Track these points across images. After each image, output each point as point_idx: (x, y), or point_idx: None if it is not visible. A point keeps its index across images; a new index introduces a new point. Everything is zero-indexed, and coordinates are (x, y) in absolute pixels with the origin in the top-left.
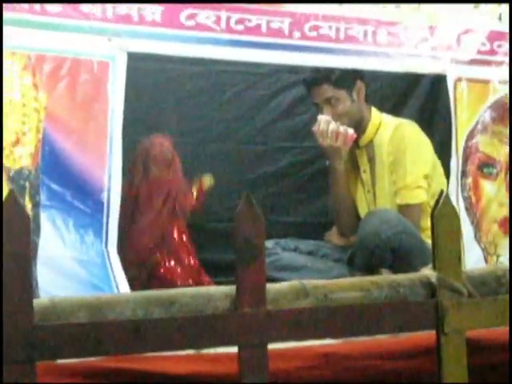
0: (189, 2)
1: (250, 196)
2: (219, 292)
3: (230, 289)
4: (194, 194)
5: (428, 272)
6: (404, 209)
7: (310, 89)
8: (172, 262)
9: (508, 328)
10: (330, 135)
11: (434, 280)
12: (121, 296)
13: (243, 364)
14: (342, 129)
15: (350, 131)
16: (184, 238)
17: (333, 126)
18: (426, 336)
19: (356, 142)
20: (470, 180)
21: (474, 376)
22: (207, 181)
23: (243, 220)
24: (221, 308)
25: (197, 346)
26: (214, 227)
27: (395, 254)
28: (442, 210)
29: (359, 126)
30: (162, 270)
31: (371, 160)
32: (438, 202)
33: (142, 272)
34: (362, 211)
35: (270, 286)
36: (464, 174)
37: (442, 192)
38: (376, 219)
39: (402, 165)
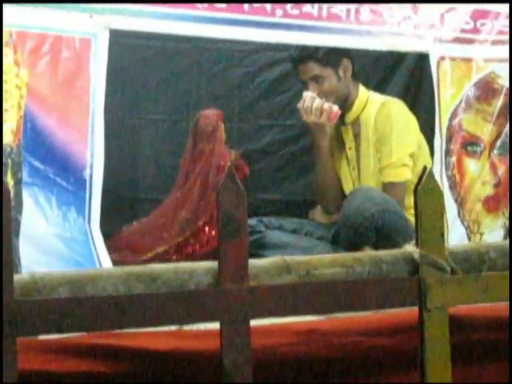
0: None
1: (233, 171)
2: (201, 268)
3: (212, 264)
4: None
5: (411, 248)
6: (388, 187)
7: (296, 66)
8: (212, 231)
9: (491, 305)
10: (315, 112)
11: (416, 256)
12: (102, 271)
13: (225, 340)
14: (326, 105)
15: (335, 108)
16: None
17: (317, 102)
18: (409, 312)
19: (342, 119)
20: (453, 158)
21: (457, 353)
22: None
23: (226, 195)
24: (203, 284)
25: (179, 322)
26: None
27: (379, 231)
28: (426, 186)
29: (345, 103)
30: (202, 238)
31: (357, 137)
32: (421, 178)
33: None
34: (347, 188)
35: (252, 262)
36: (448, 152)
37: (425, 168)
38: (360, 197)
39: (387, 142)
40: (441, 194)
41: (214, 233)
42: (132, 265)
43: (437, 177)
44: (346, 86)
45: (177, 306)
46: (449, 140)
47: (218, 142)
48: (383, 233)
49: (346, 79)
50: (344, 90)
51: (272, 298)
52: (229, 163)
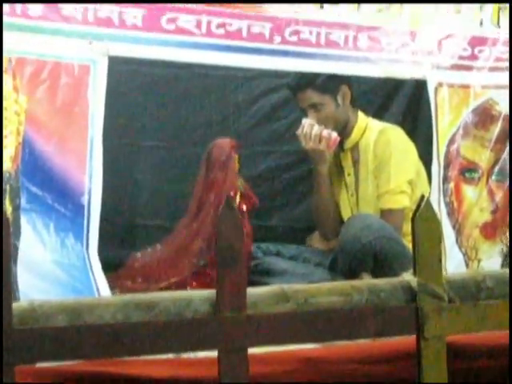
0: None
1: (231, 200)
2: (199, 296)
3: (209, 293)
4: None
5: (408, 277)
6: (387, 213)
7: (294, 94)
8: None
9: (489, 333)
10: (314, 138)
11: (414, 285)
12: (100, 300)
13: (223, 368)
14: (325, 132)
15: (334, 134)
16: None
17: (316, 129)
18: (407, 340)
19: (341, 145)
20: (451, 185)
21: (454, 381)
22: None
23: (224, 224)
24: (201, 312)
25: (176, 351)
26: None
27: (376, 258)
28: (423, 215)
29: (344, 129)
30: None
31: (356, 163)
32: (418, 206)
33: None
34: (345, 214)
35: (250, 291)
36: (446, 178)
37: (422, 196)
38: (358, 224)
39: (386, 169)
40: (438, 223)
41: None
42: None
43: (434, 203)
44: (344, 112)
45: (174, 335)
46: (447, 166)
47: (230, 172)
48: (381, 260)
49: (344, 106)
50: (343, 117)
51: (270, 327)
52: (238, 192)
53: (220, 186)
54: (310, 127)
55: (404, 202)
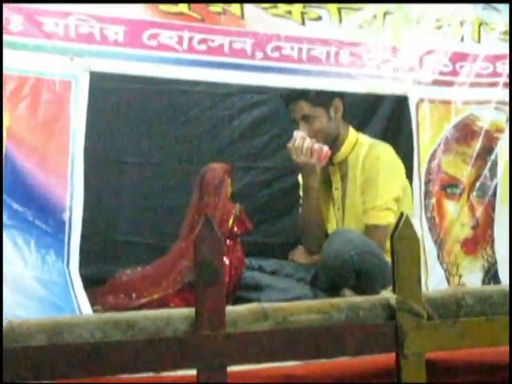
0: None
1: (210, 219)
2: (178, 314)
3: (189, 311)
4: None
5: (388, 294)
6: (371, 229)
7: (287, 105)
8: None
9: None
10: (305, 152)
11: (393, 302)
12: (80, 318)
13: None
14: (317, 146)
15: (325, 148)
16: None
17: (308, 142)
18: (386, 358)
19: (330, 159)
20: (433, 200)
21: None
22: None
23: (203, 242)
24: (180, 331)
25: (156, 369)
26: None
27: (358, 274)
28: (402, 232)
29: (335, 143)
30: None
31: (344, 178)
32: (398, 224)
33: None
34: (331, 228)
35: (229, 309)
36: (427, 194)
37: (402, 214)
38: (340, 239)
39: (373, 185)
40: (417, 241)
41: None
42: (124, 309)
43: (416, 219)
44: (336, 126)
45: (154, 353)
46: (428, 182)
47: (223, 196)
48: (363, 275)
49: (336, 119)
50: (334, 130)
51: (249, 345)
52: (232, 216)
53: (212, 210)
54: (301, 140)
55: (389, 218)
